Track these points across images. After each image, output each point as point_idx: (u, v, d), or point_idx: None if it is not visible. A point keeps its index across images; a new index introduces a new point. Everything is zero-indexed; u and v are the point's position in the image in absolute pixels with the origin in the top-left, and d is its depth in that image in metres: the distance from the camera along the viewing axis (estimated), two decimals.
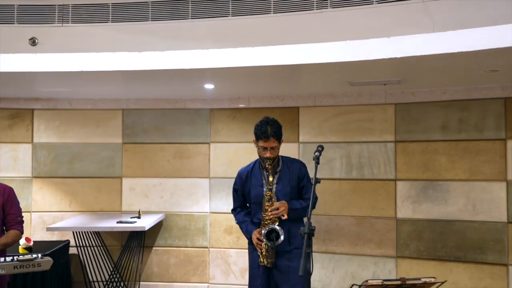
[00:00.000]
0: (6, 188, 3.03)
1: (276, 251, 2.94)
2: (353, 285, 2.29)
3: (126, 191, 4.62)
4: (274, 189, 2.96)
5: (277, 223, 2.91)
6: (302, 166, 3.14)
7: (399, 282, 2.29)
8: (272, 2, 3.29)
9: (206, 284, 4.53)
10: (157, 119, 4.64)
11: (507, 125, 3.86)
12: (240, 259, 4.47)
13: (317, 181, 2.42)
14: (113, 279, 4.23)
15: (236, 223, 3.23)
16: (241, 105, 4.55)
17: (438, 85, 4.01)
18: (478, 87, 3.94)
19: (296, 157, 4.06)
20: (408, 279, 2.29)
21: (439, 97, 4.07)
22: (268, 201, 2.93)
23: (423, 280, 2.29)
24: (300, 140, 4.44)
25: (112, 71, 3.31)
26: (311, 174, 3.26)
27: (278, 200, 2.95)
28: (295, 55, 3.07)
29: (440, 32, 2.80)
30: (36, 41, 3.38)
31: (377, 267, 4.10)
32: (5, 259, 2.57)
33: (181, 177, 4.59)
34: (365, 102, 4.29)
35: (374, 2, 3.11)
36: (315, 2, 3.23)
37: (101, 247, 4.30)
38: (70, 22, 3.43)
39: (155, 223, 4.18)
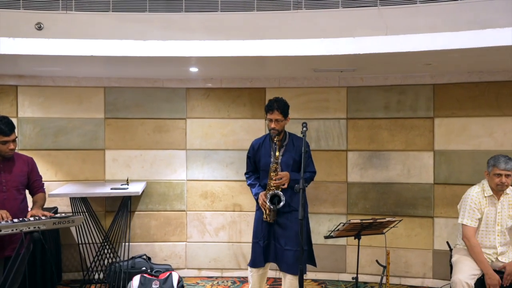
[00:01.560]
0: (29, 158, 3.47)
1: (278, 211, 3.62)
2: (340, 223, 3.07)
3: (109, 162, 5.07)
4: (279, 161, 3.61)
5: (279, 190, 3.58)
6: (307, 144, 3.70)
7: (371, 221, 3.11)
8: (255, 1, 3.88)
9: (184, 243, 5.16)
10: (137, 96, 5.07)
11: (435, 106, 4.78)
12: (214, 220, 5.14)
13: (306, 151, 3.14)
14: (105, 241, 4.72)
15: (247, 184, 3.90)
16: (214, 85, 5.12)
17: (381, 73, 4.83)
18: (412, 75, 4.81)
19: (262, 132, 4.79)
20: (377, 219, 3.12)
21: (382, 82, 4.90)
22: (274, 172, 3.60)
23: (387, 219, 3.13)
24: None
25: (116, 57, 3.76)
26: None
27: (282, 170, 3.62)
28: (276, 49, 3.73)
29: (393, 35, 3.58)
30: (42, 26, 3.71)
31: (331, 222, 4.94)
32: (50, 216, 3.07)
33: (160, 149, 5.11)
34: (322, 85, 5.03)
35: (340, 6, 3.82)
36: (292, 2, 3.87)
37: (90, 213, 4.74)
38: (73, 9, 3.80)
39: (143, 189, 4.71)
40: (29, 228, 2.95)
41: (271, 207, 3.57)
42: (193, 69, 4.52)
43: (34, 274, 4.09)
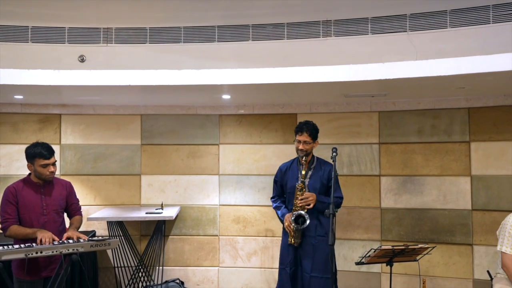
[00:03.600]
0: (67, 182, 3.63)
1: (304, 235, 3.61)
2: (371, 249, 3.04)
3: (145, 187, 5.21)
4: (306, 182, 3.64)
5: (305, 211, 3.58)
6: (333, 168, 3.73)
7: (403, 247, 3.06)
8: (285, 30, 3.98)
9: (217, 268, 5.19)
10: (171, 123, 5.24)
11: (470, 130, 4.69)
12: (246, 245, 5.16)
13: (336, 174, 3.15)
14: (140, 265, 4.82)
15: (273, 207, 3.94)
16: (247, 112, 5.22)
17: (414, 97, 4.80)
18: (447, 98, 4.76)
19: (294, 157, 4.82)
20: (410, 245, 3.06)
21: (415, 107, 4.86)
22: (300, 191, 3.63)
23: (419, 245, 3.07)
24: None
25: (152, 86, 3.93)
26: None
27: (309, 191, 3.64)
28: (306, 75, 3.79)
29: (422, 59, 3.58)
30: (84, 58, 3.93)
31: (365, 249, 4.85)
32: (87, 238, 3.19)
33: (194, 174, 5.22)
34: (353, 110, 5.04)
35: (369, 33, 3.86)
36: (321, 30, 3.95)
37: (126, 236, 4.86)
38: (113, 42, 4.01)
39: (176, 213, 4.81)
40: (68, 250, 3.07)
41: (295, 226, 3.56)
42: (226, 96, 4.63)
43: None
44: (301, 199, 3.61)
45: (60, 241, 3.17)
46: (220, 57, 3.97)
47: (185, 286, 5.04)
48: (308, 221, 3.54)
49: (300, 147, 3.68)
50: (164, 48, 4.05)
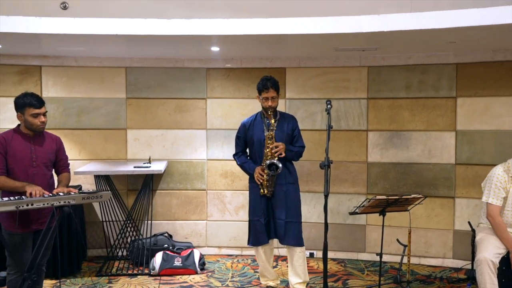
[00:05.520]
0: (57, 137, 3.54)
1: (275, 183, 3.73)
2: (366, 199, 3.10)
3: (131, 141, 5.14)
4: (274, 128, 3.72)
5: (276, 159, 3.67)
6: (295, 120, 3.97)
7: (397, 197, 3.13)
8: None
9: (205, 221, 5.24)
10: (158, 76, 5.11)
11: (457, 86, 4.72)
12: (234, 199, 5.20)
13: (331, 127, 3.17)
14: (128, 219, 4.81)
15: (238, 164, 4.00)
16: (235, 65, 5.13)
17: (404, 52, 4.78)
18: (435, 54, 4.75)
19: (284, 111, 4.80)
20: (403, 195, 3.14)
21: (405, 62, 4.85)
22: (270, 139, 3.71)
23: (413, 195, 3.15)
24: (287, 96, 5.11)
25: (140, 35, 3.80)
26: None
27: (276, 141, 3.73)
28: (298, 27, 3.73)
29: (417, 12, 3.53)
30: (67, 5, 3.75)
31: (351, 202, 4.95)
32: (77, 192, 3.15)
33: (181, 128, 5.16)
34: (342, 65, 5.00)
35: None
36: None
37: (113, 191, 4.82)
38: None
39: (165, 167, 4.78)
40: (59, 202, 3.03)
41: (270, 172, 3.65)
42: (215, 49, 4.52)
43: (61, 249, 4.20)
44: (273, 148, 3.69)
45: (51, 194, 3.12)
46: (210, 7, 3.83)
47: (173, 239, 5.09)
48: (280, 166, 3.64)
49: (270, 103, 3.74)
50: None
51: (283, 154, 3.70)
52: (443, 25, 3.46)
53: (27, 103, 3.22)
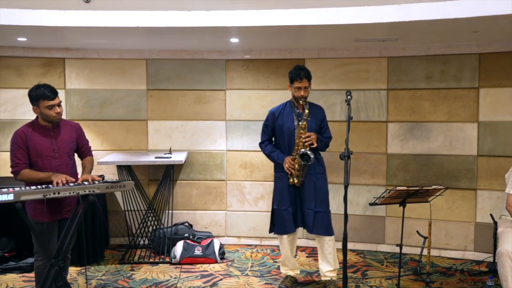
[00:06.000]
0: (76, 124, 3.61)
1: (306, 174, 3.73)
2: (386, 190, 3.10)
3: (152, 132, 5.21)
4: (308, 118, 3.71)
5: (308, 149, 3.67)
6: (323, 111, 3.97)
7: (417, 188, 3.12)
8: None
9: (224, 211, 5.30)
10: (177, 68, 5.16)
11: (480, 76, 4.65)
12: (253, 189, 5.24)
13: (351, 118, 3.17)
14: (150, 209, 4.90)
15: (266, 153, 3.96)
16: (254, 57, 5.14)
17: (424, 42, 4.72)
18: (457, 43, 4.68)
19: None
20: (424, 186, 3.12)
21: (425, 52, 4.80)
22: (302, 129, 3.70)
23: (433, 187, 3.13)
24: None
25: (161, 27, 3.84)
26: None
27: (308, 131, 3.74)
28: (319, 17, 3.72)
29: (438, 1, 3.49)
30: None
31: (371, 194, 4.95)
32: (101, 180, 3.23)
33: (201, 119, 5.21)
34: (362, 56, 4.97)
35: None
36: None
37: (135, 181, 4.90)
38: None
39: (185, 158, 4.84)
40: (84, 191, 3.10)
41: (303, 162, 3.66)
42: (234, 40, 4.54)
43: (85, 236, 4.30)
44: (306, 137, 3.68)
45: (77, 183, 3.20)
46: None
47: (193, 229, 5.16)
48: (312, 156, 3.64)
49: (302, 93, 3.73)
50: None
51: (315, 144, 3.70)
52: (465, 15, 3.41)
53: (40, 95, 3.23)
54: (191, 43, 4.82)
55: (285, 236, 3.92)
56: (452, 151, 4.76)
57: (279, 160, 3.82)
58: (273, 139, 3.99)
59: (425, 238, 4.05)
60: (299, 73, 3.70)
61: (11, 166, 3.29)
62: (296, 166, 3.72)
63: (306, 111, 3.73)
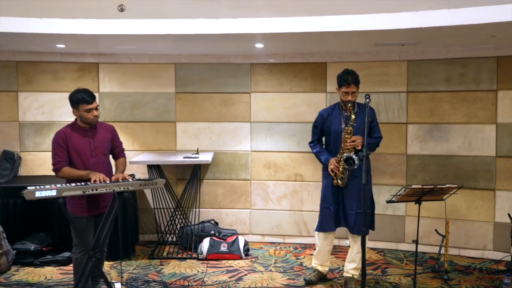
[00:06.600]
0: (111, 126, 3.88)
1: (349, 176, 3.84)
2: (401, 188, 3.26)
3: (180, 133, 5.47)
4: (355, 124, 3.80)
5: (353, 153, 3.79)
6: (373, 111, 4.01)
7: (432, 186, 3.28)
8: None
9: (249, 210, 5.51)
10: (204, 72, 5.40)
11: (498, 79, 4.75)
12: (276, 189, 5.43)
13: (370, 120, 3.32)
14: (178, 207, 5.15)
15: (314, 152, 4.12)
16: (277, 60, 5.34)
17: (443, 46, 4.84)
18: (475, 47, 4.78)
19: (323, 105, 4.98)
20: (438, 184, 3.27)
21: (444, 56, 4.91)
22: (348, 134, 3.81)
23: (447, 185, 3.28)
24: (328, 90, 5.28)
25: (190, 34, 4.08)
26: None
27: (354, 135, 3.83)
28: (340, 24, 3.90)
29: (455, 8, 3.62)
30: (124, 7, 4.07)
31: (390, 193, 5.02)
32: (132, 179, 3.48)
33: (226, 121, 5.43)
34: (382, 59, 5.12)
35: None
36: None
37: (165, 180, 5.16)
38: None
39: (212, 158, 5.08)
40: (120, 188, 3.36)
41: (347, 167, 3.76)
42: (259, 45, 4.75)
43: (116, 232, 4.57)
44: (351, 141, 3.77)
45: (113, 180, 3.45)
46: (254, 7, 4.04)
47: (219, 226, 5.39)
48: (357, 162, 3.71)
49: (350, 98, 3.80)
50: None
51: (359, 147, 3.76)
52: (482, 21, 3.54)
53: (80, 99, 3.53)
54: (218, 48, 5.06)
55: (322, 233, 4.04)
56: (471, 152, 4.86)
57: (325, 161, 3.95)
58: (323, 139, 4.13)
59: (444, 236, 4.18)
60: (347, 78, 3.79)
61: (53, 164, 3.57)
62: (341, 168, 3.83)
63: (353, 116, 3.80)
